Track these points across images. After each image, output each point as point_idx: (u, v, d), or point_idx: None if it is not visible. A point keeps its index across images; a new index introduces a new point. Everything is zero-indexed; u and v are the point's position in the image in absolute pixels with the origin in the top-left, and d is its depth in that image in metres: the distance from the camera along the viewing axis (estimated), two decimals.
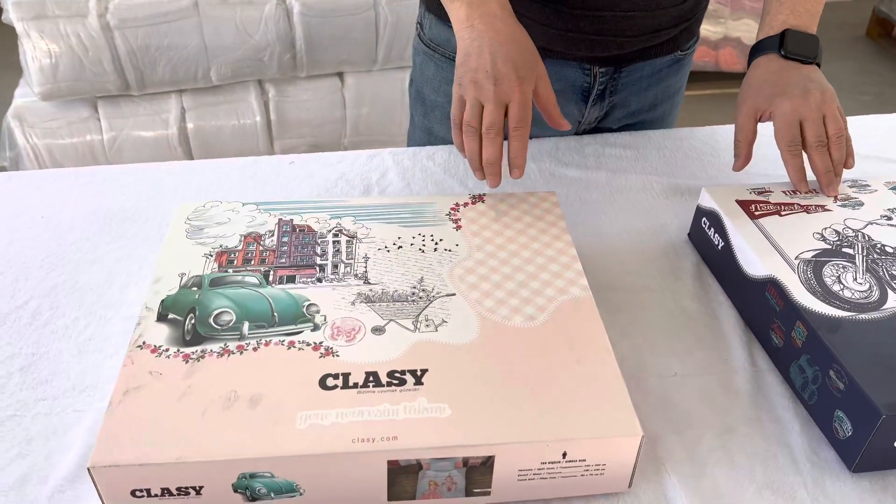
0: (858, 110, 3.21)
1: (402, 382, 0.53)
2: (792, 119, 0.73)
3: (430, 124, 0.97)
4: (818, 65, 0.78)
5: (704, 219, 0.75)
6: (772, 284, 0.63)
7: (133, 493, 0.48)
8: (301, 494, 0.50)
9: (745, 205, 0.72)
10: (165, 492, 0.48)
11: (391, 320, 0.58)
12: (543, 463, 0.51)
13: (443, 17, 0.88)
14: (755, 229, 0.69)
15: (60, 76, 1.61)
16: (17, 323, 0.66)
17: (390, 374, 0.53)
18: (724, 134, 0.98)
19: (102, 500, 0.49)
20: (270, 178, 0.87)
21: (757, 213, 0.71)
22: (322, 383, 0.52)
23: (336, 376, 0.53)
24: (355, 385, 0.52)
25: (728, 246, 0.70)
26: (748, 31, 2.79)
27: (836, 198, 0.74)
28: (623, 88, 0.93)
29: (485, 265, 0.64)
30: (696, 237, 0.77)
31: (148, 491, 0.48)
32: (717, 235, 0.73)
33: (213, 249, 0.65)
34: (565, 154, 0.93)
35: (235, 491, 0.49)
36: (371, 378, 0.53)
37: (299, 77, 1.78)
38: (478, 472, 0.50)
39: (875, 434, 0.52)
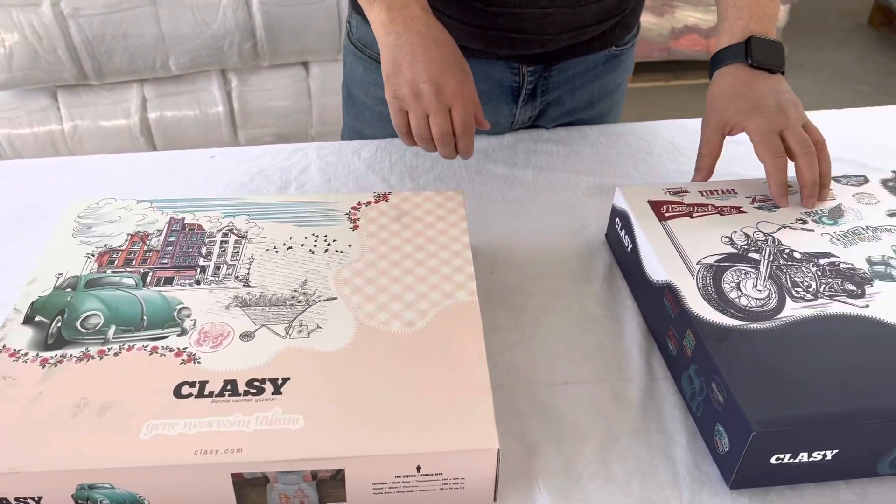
0: (856, 101, 3.16)
1: (261, 391, 0.51)
2: (770, 131, 0.69)
3: (360, 126, 0.95)
4: (783, 73, 0.75)
5: (618, 219, 0.73)
6: (669, 290, 0.61)
7: None
8: None
9: (656, 205, 0.70)
10: (3, 502, 0.47)
11: (263, 325, 0.56)
12: (398, 476, 0.49)
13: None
14: (661, 231, 0.67)
15: (16, 65, 1.60)
16: None
17: (249, 383, 0.52)
18: (664, 129, 0.95)
19: None
20: (189, 172, 0.86)
21: (667, 214, 0.69)
22: (177, 391, 0.51)
23: (192, 384, 0.52)
24: (211, 394, 0.51)
25: (635, 248, 0.68)
26: None
27: (754, 199, 0.71)
28: (555, 87, 0.91)
29: (374, 267, 0.62)
30: (611, 238, 0.75)
31: None
32: (626, 237, 0.70)
33: (97, 249, 0.63)
34: (496, 151, 0.90)
35: (77, 502, 0.48)
36: (228, 387, 0.51)
37: (262, 66, 1.75)
38: (329, 485, 0.49)
39: (748, 450, 0.50)
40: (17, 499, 0.47)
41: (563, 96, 0.92)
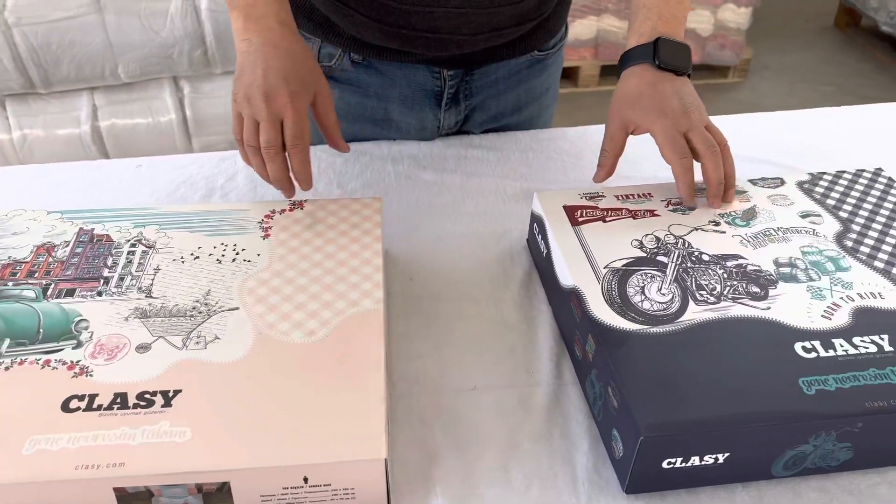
0: (820, 102, 3.19)
1: (150, 404, 0.51)
2: (674, 135, 0.69)
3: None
4: (689, 75, 0.75)
5: (535, 224, 0.73)
6: (575, 294, 0.61)
7: None
8: None
9: (571, 210, 0.70)
10: None
11: (161, 337, 0.56)
12: (286, 488, 0.49)
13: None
14: (573, 237, 0.67)
15: None
16: None
17: (140, 396, 0.51)
18: (595, 133, 0.95)
19: None
20: (114, 182, 0.85)
21: (581, 219, 0.69)
22: (65, 405, 0.51)
23: (82, 398, 0.51)
24: (99, 407, 0.50)
25: (549, 253, 0.68)
26: (703, 21, 2.76)
27: (669, 202, 0.71)
28: (478, 91, 0.91)
29: (281, 276, 0.62)
30: (531, 244, 0.75)
31: None
32: (542, 242, 0.71)
33: (0, 261, 0.63)
34: (426, 157, 0.90)
35: None
36: (118, 400, 0.51)
37: (214, 73, 1.74)
38: (216, 498, 0.48)
39: (639, 455, 0.50)
40: None
41: (488, 101, 0.92)
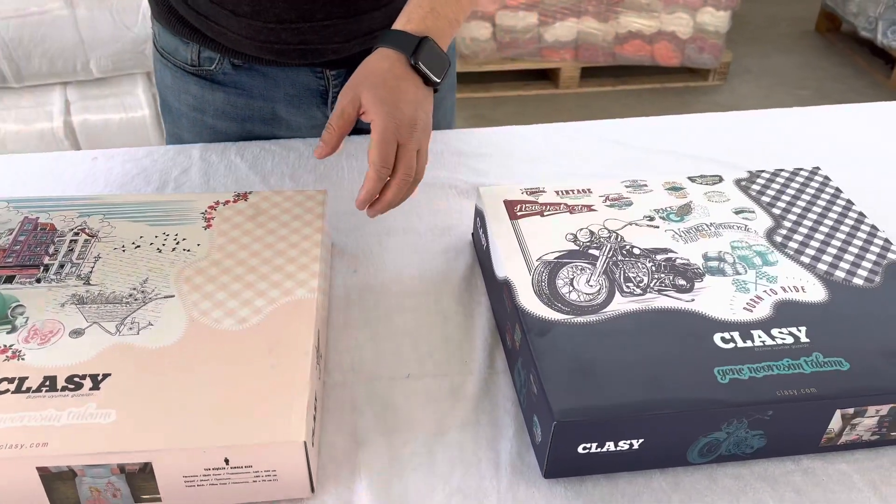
0: (796, 105, 3.22)
1: (79, 387, 0.52)
2: (391, 139, 0.64)
3: (179, 132, 0.96)
4: (436, 90, 0.72)
5: (478, 218, 0.74)
6: (506, 286, 0.63)
7: None
8: None
9: (510, 205, 0.71)
10: None
11: (95, 323, 0.57)
12: (208, 469, 0.50)
13: (170, 27, 0.87)
14: (510, 230, 0.68)
15: None
16: None
17: (69, 379, 0.52)
18: (556, 131, 0.97)
19: None
20: (69, 174, 0.86)
21: (519, 213, 0.70)
22: None
23: (11, 380, 0.52)
24: (28, 389, 0.52)
25: (489, 246, 0.70)
26: (682, 24, 2.78)
27: (607, 198, 0.73)
28: None
29: (218, 266, 0.63)
30: (475, 237, 0.77)
31: None
32: (483, 236, 0.72)
33: None
34: None
35: None
36: (47, 382, 0.52)
37: None
38: (139, 478, 0.50)
39: (554, 439, 0.52)
40: None
41: None
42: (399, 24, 0.70)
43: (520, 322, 0.59)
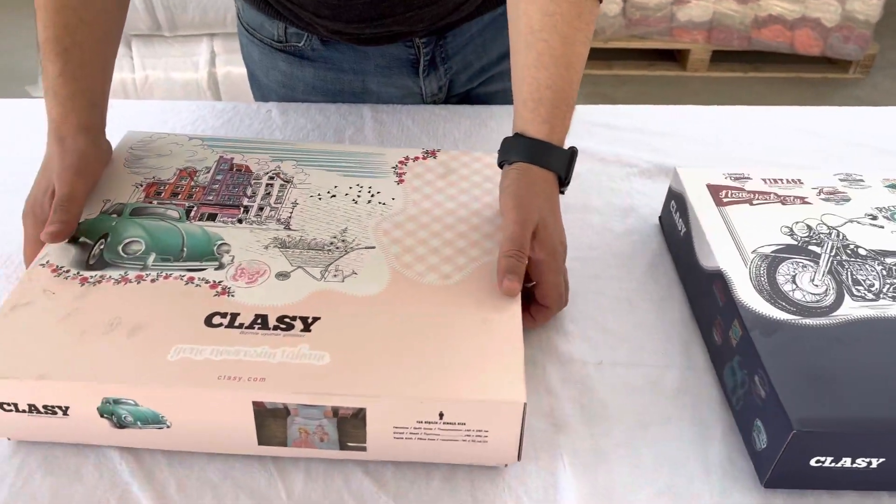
0: None
1: (290, 328, 0.51)
2: (561, 279, 0.59)
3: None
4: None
5: (673, 201, 0.70)
6: (719, 277, 0.58)
7: (1, 405, 0.48)
8: (168, 427, 0.49)
9: (715, 190, 0.67)
10: (32, 408, 0.48)
11: (299, 267, 0.56)
12: (420, 422, 0.48)
13: (255, 4, 0.83)
14: (718, 217, 0.64)
15: None
16: None
17: (280, 319, 0.52)
18: (730, 114, 0.91)
19: None
20: (246, 124, 0.86)
21: (726, 199, 0.66)
22: (208, 320, 0.51)
23: (224, 315, 0.52)
24: (241, 325, 0.51)
25: (689, 232, 0.65)
26: (829, 11, 2.59)
27: (821, 191, 0.67)
28: (455, 52, 0.86)
29: (415, 221, 0.62)
30: (665, 221, 0.72)
31: (16, 405, 0.48)
32: (681, 220, 0.67)
33: (145, 180, 0.64)
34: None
35: (101, 416, 0.49)
36: (259, 320, 0.52)
37: None
38: (350, 424, 0.48)
39: (787, 449, 0.47)
40: (45, 406, 0.48)
41: (469, 58, 0.87)
42: (530, 129, 0.60)
43: (739, 318, 0.54)
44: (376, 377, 0.48)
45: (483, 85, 0.92)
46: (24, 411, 0.49)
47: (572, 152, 0.61)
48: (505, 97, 0.92)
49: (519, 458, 0.50)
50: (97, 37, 0.65)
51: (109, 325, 0.51)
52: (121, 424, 0.49)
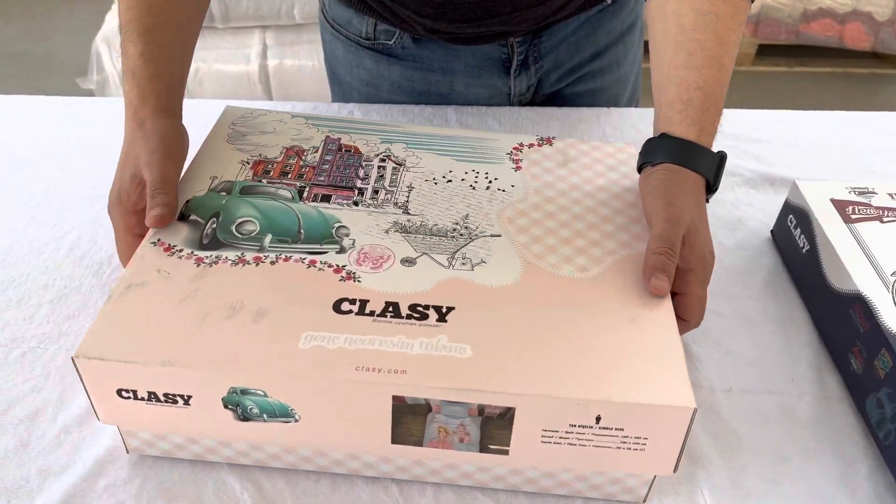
0: None
1: (424, 317, 0.47)
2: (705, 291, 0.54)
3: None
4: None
5: (791, 216, 0.66)
6: (858, 302, 0.55)
7: (119, 392, 0.44)
8: (297, 420, 0.45)
9: (840, 205, 0.63)
10: (152, 396, 0.44)
11: (424, 253, 0.52)
12: (573, 426, 0.44)
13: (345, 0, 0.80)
14: (848, 235, 0.60)
15: None
16: (55, 253, 0.65)
17: (412, 307, 0.48)
18: (831, 119, 0.87)
19: (88, 395, 0.45)
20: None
21: (854, 216, 0.62)
22: (336, 306, 0.47)
23: (353, 301, 0.48)
24: (372, 313, 0.47)
25: (814, 250, 0.62)
26: (881, 5, 2.52)
27: None
28: (549, 51, 0.83)
29: (540, 210, 0.58)
30: (780, 236, 0.69)
31: (134, 393, 0.44)
32: (802, 237, 0.64)
33: (252, 158, 0.61)
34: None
35: (226, 407, 0.44)
36: (390, 308, 0.48)
37: None
38: (495, 424, 0.44)
39: None
40: (166, 395, 0.44)
41: (562, 57, 0.84)
42: (677, 130, 0.56)
43: (888, 347, 0.51)
44: (526, 374, 0.44)
45: (571, 85, 0.88)
46: (142, 399, 0.45)
47: (721, 156, 0.57)
48: (592, 97, 0.90)
49: (675, 469, 0.46)
50: (180, 20, 0.63)
51: (232, 310, 0.47)
52: (245, 417, 0.45)
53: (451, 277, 0.51)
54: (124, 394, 0.45)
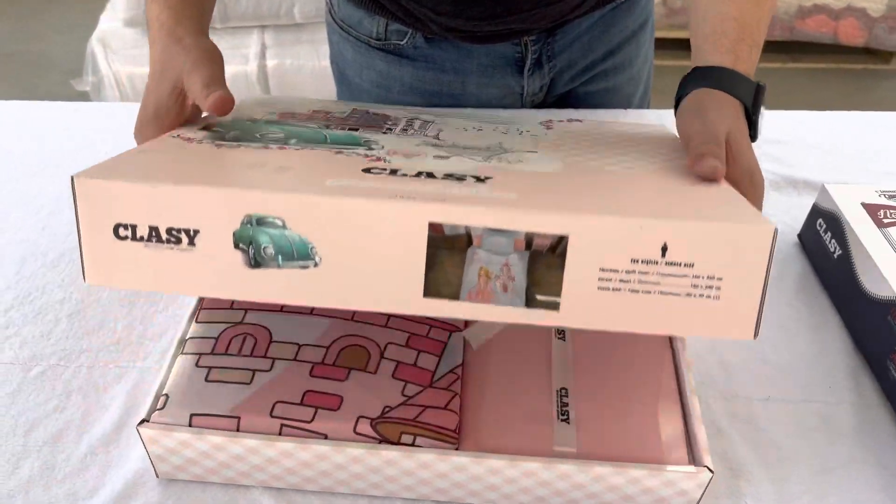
0: None
1: (462, 179, 0.42)
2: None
3: None
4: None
5: (821, 220, 0.66)
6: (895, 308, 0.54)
7: (116, 230, 0.39)
8: (316, 264, 0.39)
9: (872, 209, 0.62)
10: (153, 234, 0.39)
11: (458, 156, 0.49)
12: (635, 262, 0.37)
13: (356, 0, 0.79)
14: (882, 240, 0.59)
15: (142, 3, 1.59)
16: (71, 265, 0.63)
17: (447, 175, 0.43)
18: (847, 119, 0.86)
19: (80, 240, 0.39)
20: None
21: (886, 220, 0.61)
22: (367, 170, 0.43)
23: (382, 170, 0.43)
24: (405, 175, 0.42)
25: (846, 255, 0.61)
26: (876, 2, 2.53)
27: None
28: (562, 50, 0.82)
29: (578, 144, 0.55)
30: (808, 240, 0.68)
31: (134, 229, 0.39)
32: (833, 241, 0.63)
33: (278, 110, 0.59)
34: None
35: (237, 246, 0.38)
36: (423, 175, 0.43)
37: None
38: (544, 262, 0.37)
39: None
40: (169, 231, 0.38)
41: (575, 56, 0.84)
42: (723, 58, 0.53)
43: None
44: (581, 202, 0.39)
45: (584, 84, 0.87)
46: (141, 238, 0.39)
47: (759, 85, 0.52)
48: (604, 97, 0.89)
49: (756, 333, 0.38)
50: None
51: (254, 165, 0.43)
52: (257, 262, 0.39)
53: (489, 165, 0.47)
54: (122, 231, 0.39)
